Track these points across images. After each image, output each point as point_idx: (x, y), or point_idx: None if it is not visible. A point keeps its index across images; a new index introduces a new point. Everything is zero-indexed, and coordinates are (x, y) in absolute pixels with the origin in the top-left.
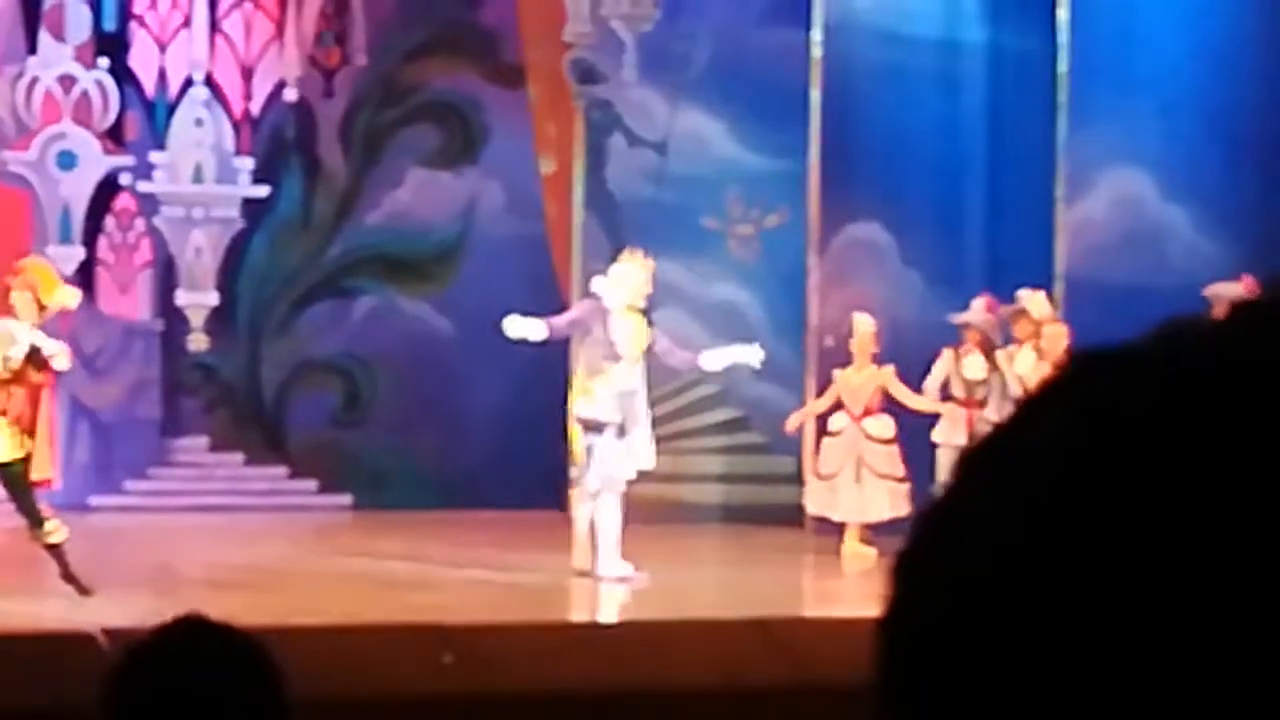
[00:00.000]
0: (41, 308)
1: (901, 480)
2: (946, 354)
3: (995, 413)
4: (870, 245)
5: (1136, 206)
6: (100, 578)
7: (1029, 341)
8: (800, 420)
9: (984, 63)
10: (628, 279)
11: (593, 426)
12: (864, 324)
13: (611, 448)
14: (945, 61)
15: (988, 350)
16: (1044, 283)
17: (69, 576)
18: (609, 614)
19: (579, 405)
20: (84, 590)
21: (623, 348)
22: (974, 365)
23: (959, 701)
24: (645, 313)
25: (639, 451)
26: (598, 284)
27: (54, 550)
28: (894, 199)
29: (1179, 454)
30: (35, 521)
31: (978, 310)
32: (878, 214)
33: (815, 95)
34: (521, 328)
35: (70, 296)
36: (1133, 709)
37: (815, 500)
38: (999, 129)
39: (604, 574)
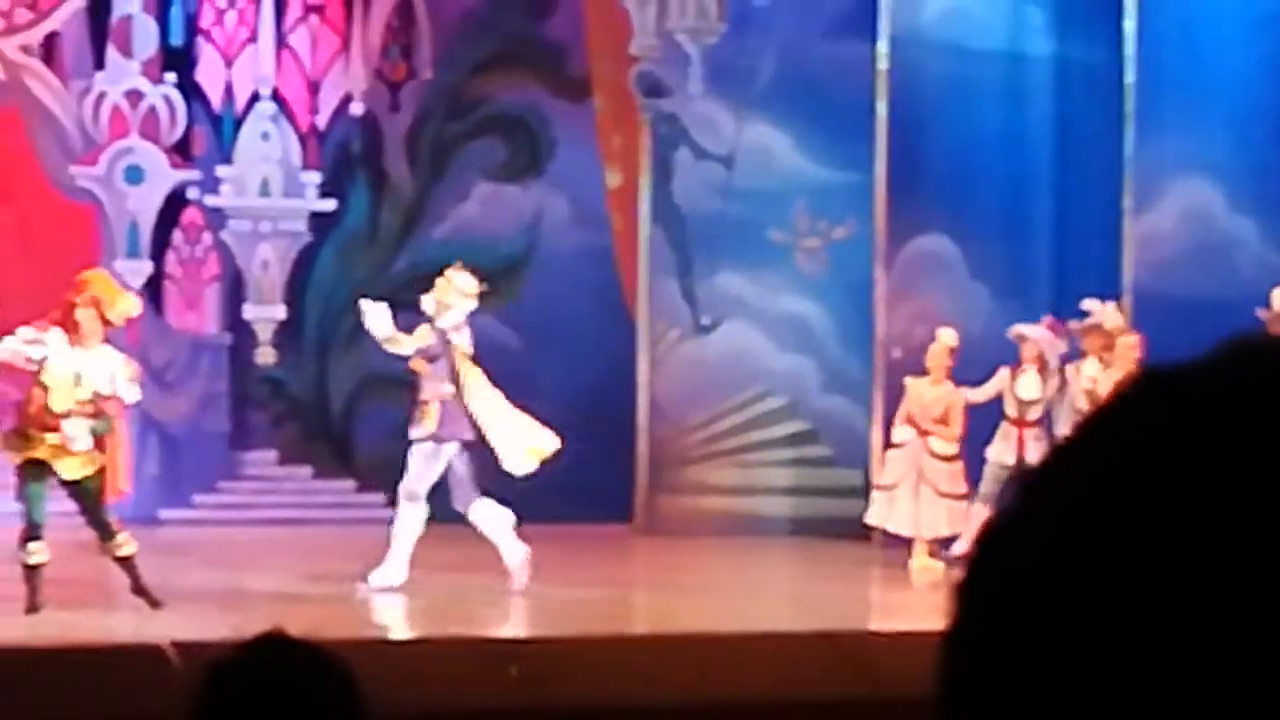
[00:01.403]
0: (106, 323)
1: (962, 498)
2: (1003, 372)
3: (1063, 428)
4: (937, 258)
5: (1205, 218)
6: (169, 591)
7: (1095, 354)
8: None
9: (1051, 74)
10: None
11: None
12: (944, 337)
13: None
14: (1012, 73)
15: (1043, 370)
16: (1112, 295)
17: (140, 589)
18: (675, 627)
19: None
20: (155, 603)
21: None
22: (1028, 384)
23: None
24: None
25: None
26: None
27: (125, 563)
28: (961, 211)
29: (1241, 473)
30: (106, 535)
31: (1039, 328)
32: (945, 226)
33: (882, 108)
34: (387, 328)
35: (133, 305)
36: None
37: (874, 510)
38: (1066, 140)
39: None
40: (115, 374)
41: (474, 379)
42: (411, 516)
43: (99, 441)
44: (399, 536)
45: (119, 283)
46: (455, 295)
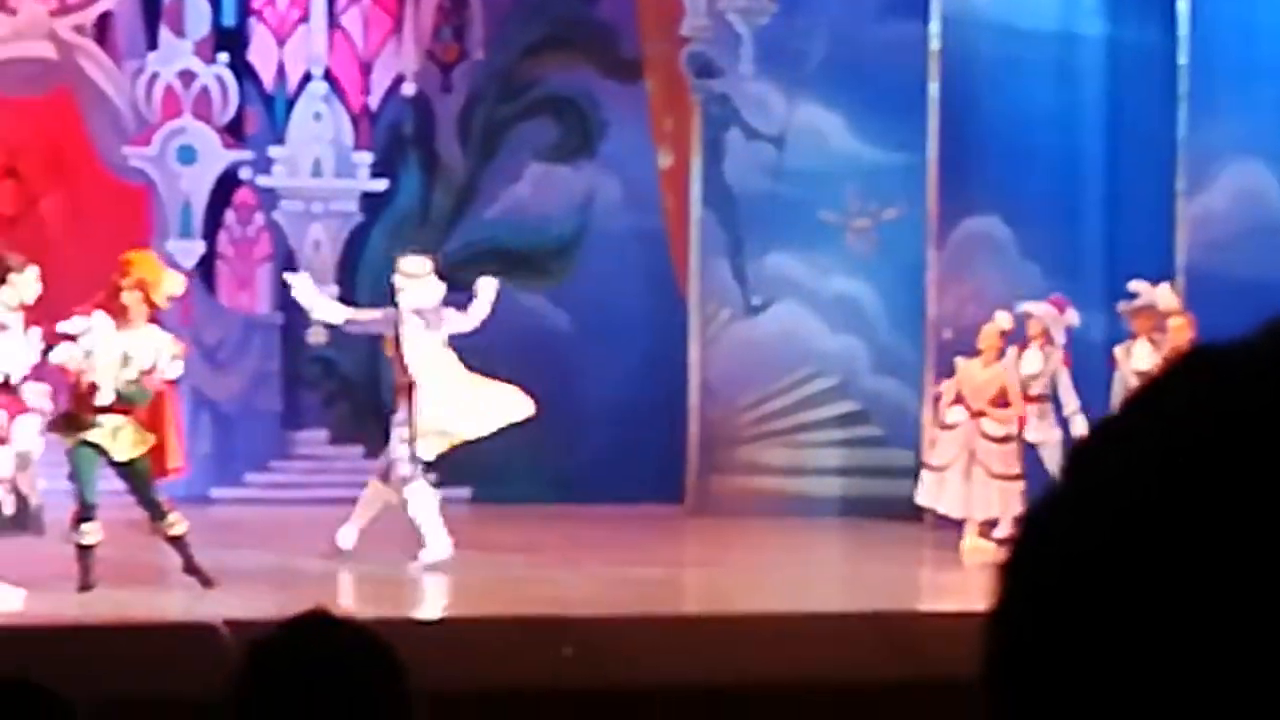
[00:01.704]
0: (151, 305)
1: (1015, 479)
2: (1011, 351)
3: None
4: (989, 238)
5: (1258, 199)
6: (221, 570)
7: (1145, 335)
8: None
9: (1103, 55)
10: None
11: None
12: (999, 320)
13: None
14: (1064, 54)
15: (1047, 346)
16: (1164, 276)
17: (192, 568)
18: (726, 607)
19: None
20: (207, 582)
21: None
22: (1030, 360)
23: (1060, 699)
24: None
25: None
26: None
27: (176, 542)
28: (1013, 192)
29: None
30: (157, 514)
31: (1043, 305)
32: (996, 207)
33: (933, 89)
34: (312, 298)
35: (178, 285)
36: (1232, 708)
37: (925, 491)
38: (1118, 121)
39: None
40: (161, 352)
41: (421, 361)
42: (422, 494)
43: (151, 421)
44: (422, 516)
45: (167, 262)
46: (400, 278)
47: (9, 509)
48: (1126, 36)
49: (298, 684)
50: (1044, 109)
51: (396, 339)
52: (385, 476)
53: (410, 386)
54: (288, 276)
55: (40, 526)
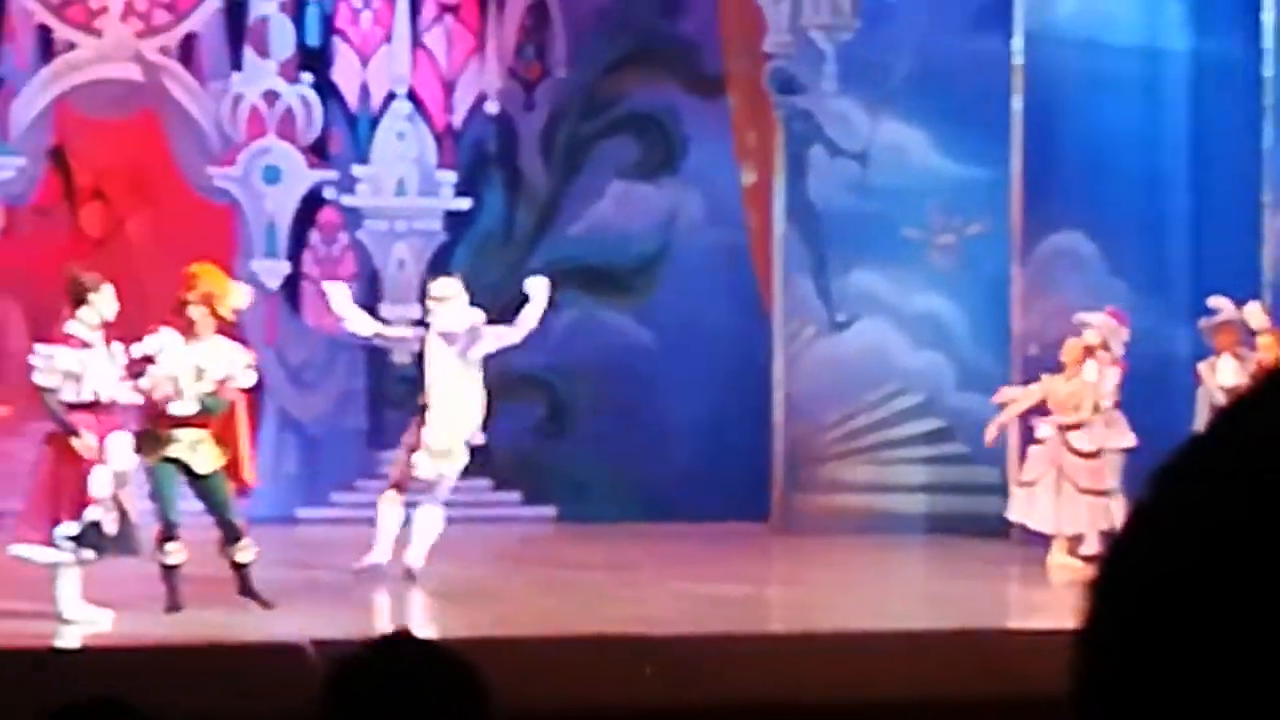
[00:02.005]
0: (218, 318)
1: (1103, 494)
2: (1090, 365)
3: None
4: (1073, 254)
5: None
6: (308, 589)
7: (1228, 351)
8: (996, 430)
9: (1188, 69)
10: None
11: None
12: (1087, 336)
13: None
14: (1148, 68)
15: (1098, 357)
16: (1251, 291)
17: (249, 591)
18: (811, 625)
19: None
20: (265, 604)
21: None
22: (1087, 370)
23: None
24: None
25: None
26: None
27: (240, 569)
28: (1097, 207)
29: None
30: (231, 537)
31: (1101, 315)
32: (1081, 223)
33: (1017, 104)
34: (347, 309)
35: (243, 296)
36: None
37: (1015, 507)
38: (1203, 136)
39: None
40: (234, 362)
41: (438, 383)
42: (429, 513)
43: (224, 434)
44: (418, 530)
45: (250, 283)
46: (431, 301)
47: (112, 529)
48: (1211, 50)
49: (380, 705)
50: (1128, 123)
51: (420, 358)
52: (399, 488)
53: (424, 407)
54: (325, 285)
55: (140, 546)
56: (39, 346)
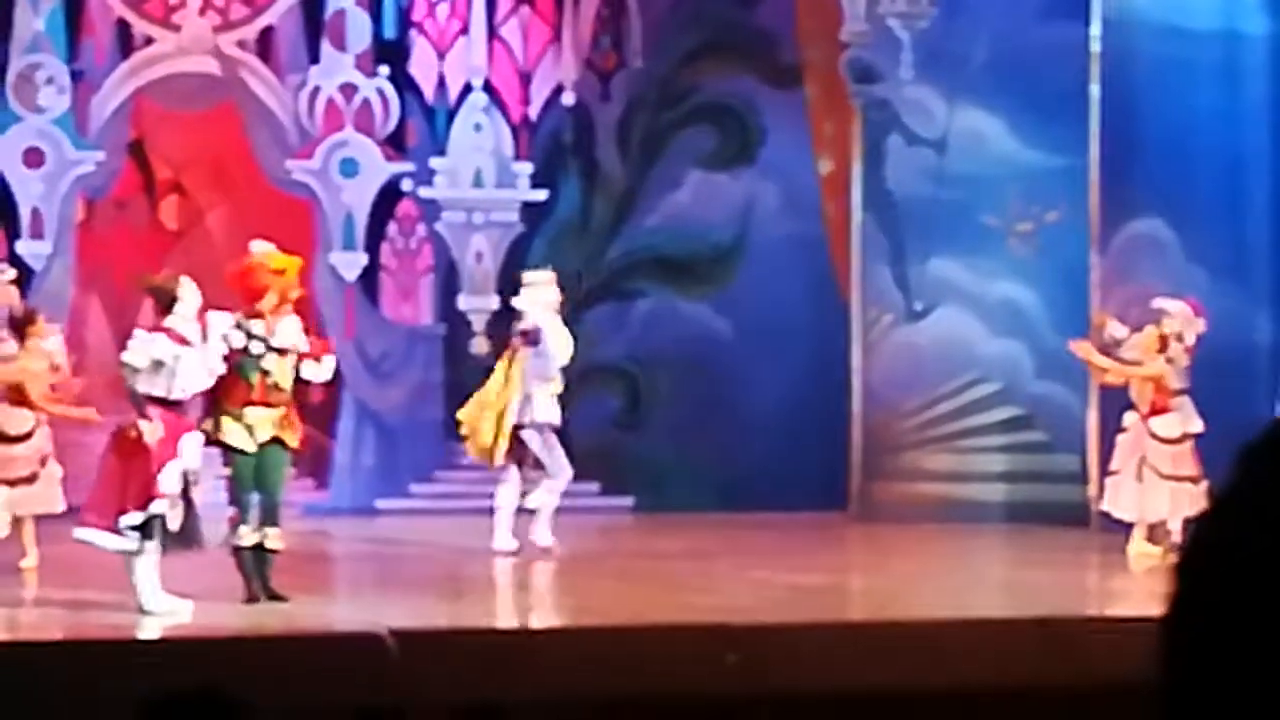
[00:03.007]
0: (284, 296)
1: (1190, 480)
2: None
3: None
4: (1153, 241)
5: None
6: (387, 580)
7: None
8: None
9: (1267, 53)
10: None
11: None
12: (1165, 323)
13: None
14: (1227, 53)
15: (1168, 346)
16: None
17: (246, 579)
18: (891, 613)
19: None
20: (253, 598)
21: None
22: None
23: (1236, 700)
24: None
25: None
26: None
27: (261, 554)
28: (1176, 194)
29: None
30: (269, 518)
31: (1179, 303)
32: (1160, 209)
33: (1094, 90)
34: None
35: (296, 265)
36: None
37: (1106, 498)
38: None
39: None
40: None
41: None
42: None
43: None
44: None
45: (330, 275)
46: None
47: (175, 524)
48: None
49: None
50: (1207, 109)
51: None
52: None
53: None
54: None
55: (205, 541)
56: (139, 331)
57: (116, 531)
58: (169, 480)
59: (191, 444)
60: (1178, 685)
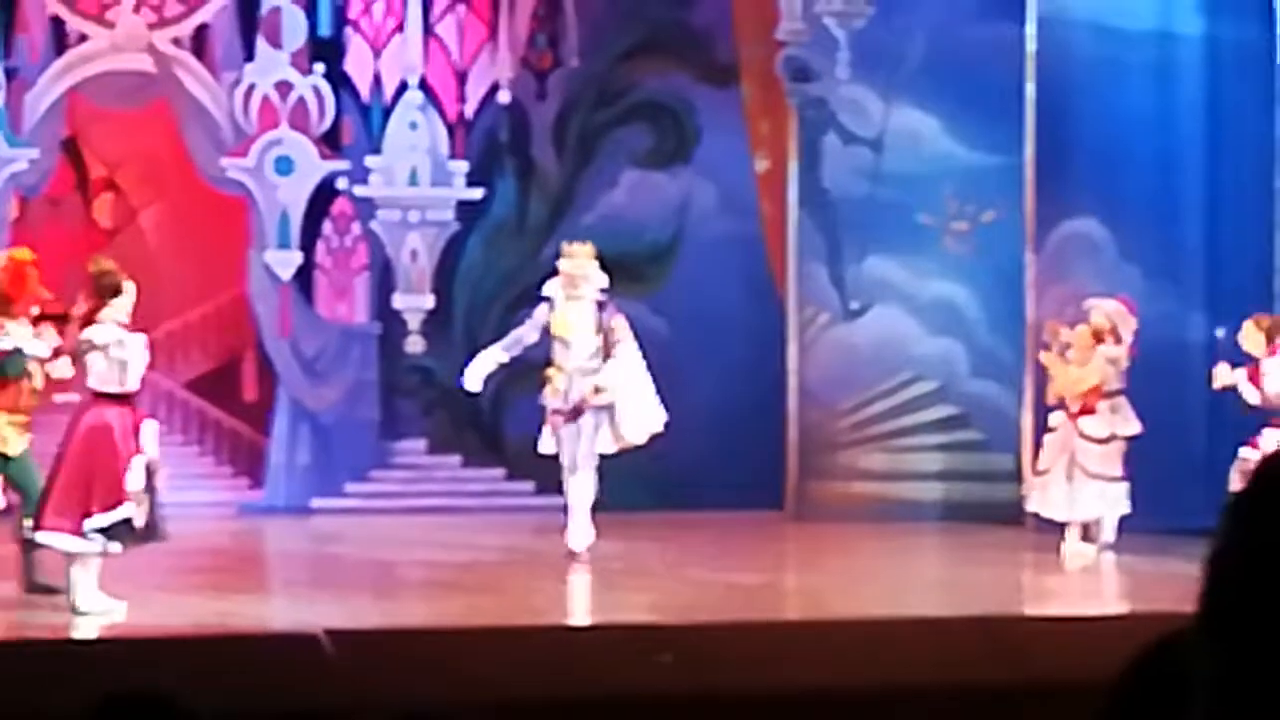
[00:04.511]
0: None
1: (1115, 479)
2: (1100, 351)
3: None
4: (1087, 240)
5: None
6: (322, 579)
7: None
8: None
9: (1201, 54)
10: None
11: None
12: (1095, 318)
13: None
14: (1161, 54)
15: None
16: (1265, 278)
17: (31, 574)
18: (827, 612)
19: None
20: (32, 589)
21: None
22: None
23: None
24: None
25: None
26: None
27: (29, 547)
28: (1111, 194)
29: None
30: (29, 509)
31: (1112, 301)
32: (1094, 209)
33: (1030, 90)
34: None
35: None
36: None
37: (1034, 497)
38: (1217, 121)
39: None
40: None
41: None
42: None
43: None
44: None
45: (267, 274)
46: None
47: (140, 521)
48: (1225, 35)
49: None
50: (1142, 109)
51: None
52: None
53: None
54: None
55: (166, 534)
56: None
57: (80, 533)
58: (135, 478)
59: (149, 434)
60: (1214, 618)
